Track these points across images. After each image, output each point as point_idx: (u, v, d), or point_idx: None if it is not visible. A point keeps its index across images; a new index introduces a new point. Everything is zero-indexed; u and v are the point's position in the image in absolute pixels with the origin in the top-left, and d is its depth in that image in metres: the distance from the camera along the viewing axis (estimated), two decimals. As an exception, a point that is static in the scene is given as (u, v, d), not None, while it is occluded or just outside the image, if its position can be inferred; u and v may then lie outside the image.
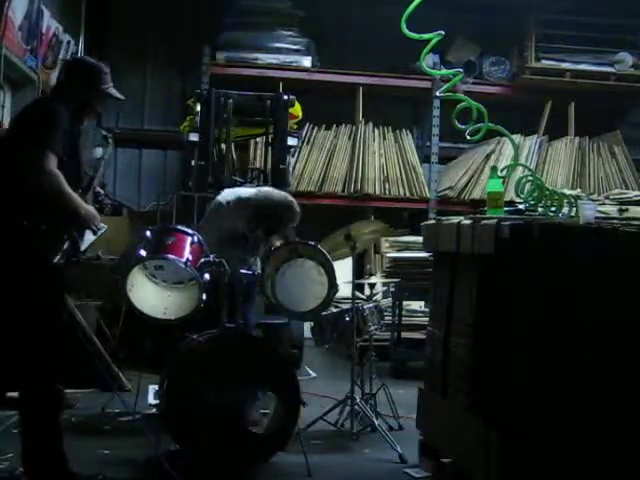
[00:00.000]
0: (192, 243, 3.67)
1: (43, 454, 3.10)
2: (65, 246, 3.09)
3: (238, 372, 3.48)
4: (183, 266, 3.52)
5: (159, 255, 3.59)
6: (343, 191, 7.21)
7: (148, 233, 3.66)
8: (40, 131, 3.03)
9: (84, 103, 3.27)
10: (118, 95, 3.40)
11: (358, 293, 4.94)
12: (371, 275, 6.78)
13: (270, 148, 6.01)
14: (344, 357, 5.62)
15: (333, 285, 3.75)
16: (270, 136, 5.99)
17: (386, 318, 6.31)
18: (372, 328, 4.30)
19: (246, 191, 4.39)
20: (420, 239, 3.81)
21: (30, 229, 3.02)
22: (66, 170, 3.05)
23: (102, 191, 3.54)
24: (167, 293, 3.68)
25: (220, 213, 4.24)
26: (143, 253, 3.57)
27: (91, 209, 3.18)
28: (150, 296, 3.63)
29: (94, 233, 3.24)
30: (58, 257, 3.06)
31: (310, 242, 3.87)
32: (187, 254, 3.58)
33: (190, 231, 3.72)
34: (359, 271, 5.99)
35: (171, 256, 3.55)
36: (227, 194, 4.35)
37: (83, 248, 3.27)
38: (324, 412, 4.15)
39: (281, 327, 5.12)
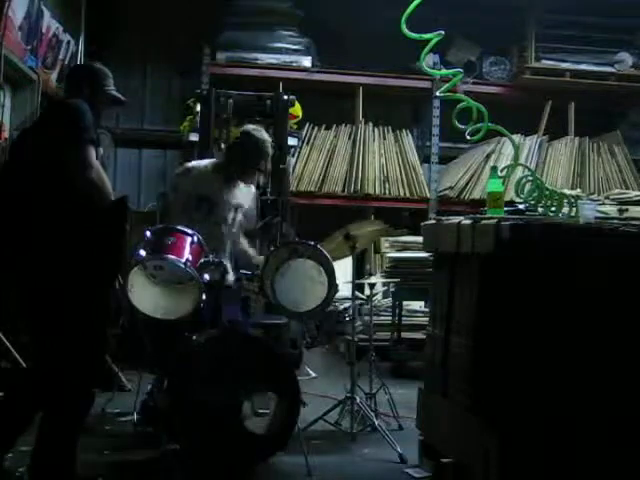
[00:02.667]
0: (192, 243, 3.66)
1: (58, 456, 3.03)
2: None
3: (238, 372, 3.48)
4: (183, 266, 3.51)
5: (159, 255, 3.58)
6: (343, 191, 7.20)
7: (148, 233, 3.66)
8: (75, 126, 3.00)
9: (91, 106, 3.25)
10: (121, 98, 3.42)
11: (358, 293, 4.94)
12: (371, 275, 6.77)
13: (270, 148, 6.01)
14: (343, 357, 5.62)
15: (333, 285, 3.75)
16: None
17: (386, 318, 6.36)
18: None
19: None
20: (420, 239, 3.81)
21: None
22: None
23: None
24: (167, 293, 3.67)
25: (191, 176, 4.31)
26: (143, 253, 3.57)
27: None
28: (150, 296, 3.62)
29: None
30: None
31: (310, 242, 3.87)
32: (187, 254, 3.58)
33: (190, 231, 3.72)
34: (359, 271, 5.98)
35: (171, 256, 3.55)
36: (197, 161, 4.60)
37: None
38: (324, 412, 4.15)
39: (281, 327, 5.12)
